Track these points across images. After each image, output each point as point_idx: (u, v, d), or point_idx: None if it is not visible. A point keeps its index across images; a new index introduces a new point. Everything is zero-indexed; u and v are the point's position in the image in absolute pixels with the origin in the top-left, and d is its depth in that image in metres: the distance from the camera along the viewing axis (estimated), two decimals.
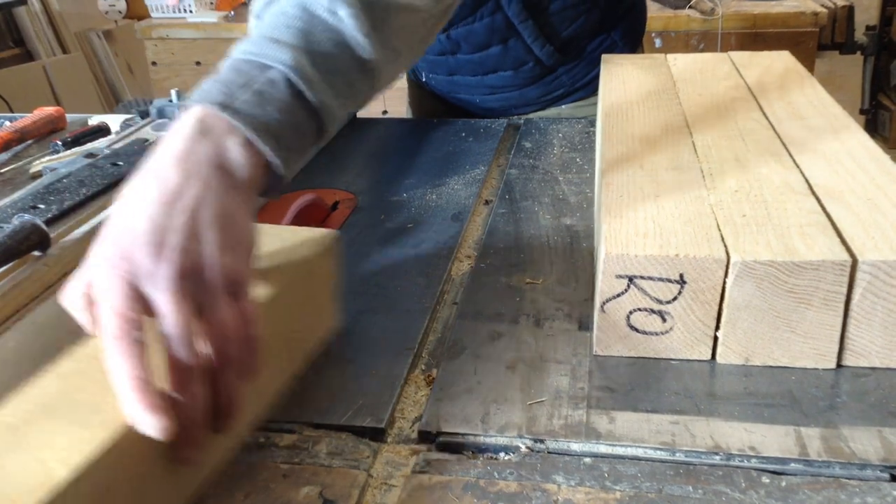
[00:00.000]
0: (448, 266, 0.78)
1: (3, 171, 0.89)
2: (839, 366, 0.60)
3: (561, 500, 0.49)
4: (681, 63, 1.10)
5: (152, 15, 2.75)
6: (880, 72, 2.88)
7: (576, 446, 0.53)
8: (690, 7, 2.35)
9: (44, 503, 0.37)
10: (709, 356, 0.61)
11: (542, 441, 0.54)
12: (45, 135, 1.03)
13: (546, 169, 1.00)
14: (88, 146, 0.91)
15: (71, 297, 0.48)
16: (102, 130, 0.99)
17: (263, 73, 0.53)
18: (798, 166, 0.72)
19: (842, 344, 0.59)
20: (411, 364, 0.63)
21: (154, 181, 0.47)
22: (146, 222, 0.45)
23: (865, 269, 0.56)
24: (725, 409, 0.56)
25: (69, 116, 1.10)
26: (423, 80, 1.34)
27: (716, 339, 0.60)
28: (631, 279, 0.59)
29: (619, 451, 0.53)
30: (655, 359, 0.62)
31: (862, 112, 2.81)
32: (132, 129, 0.90)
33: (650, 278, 0.59)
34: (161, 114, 0.88)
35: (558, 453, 0.53)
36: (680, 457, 0.52)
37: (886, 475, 0.50)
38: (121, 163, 0.76)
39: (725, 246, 0.59)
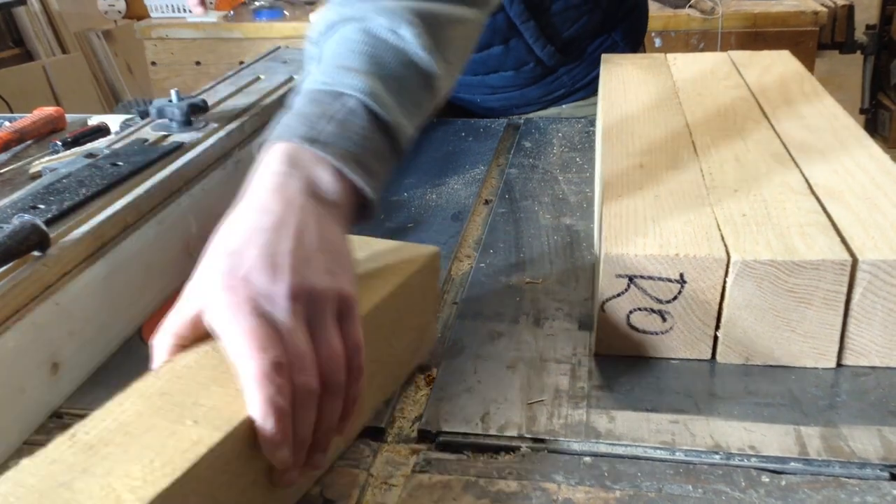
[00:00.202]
0: (448, 266, 0.78)
1: (2, 171, 0.89)
2: (839, 365, 0.60)
3: (561, 500, 0.49)
4: (681, 63, 1.10)
5: (152, 15, 2.75)
6: (880, 71, 2.88)
7: (576, 446, 0.53)
8: (690, 6, 2.35)
9: None
10: (709, 355, 0.61)
11: (542, 440, 0.54)
12: (44, 135, 1.03)
13: (546, 168, 1.00)
14: (88, 146, 0.91)
15: (171, 331, 0.46)
16: (102, 130, 0.99)
17: (340, 101, 0.55)
18: (798, 166, 0.72)
19: (842, 343, 0.59)
20: None
21: (255, 212, 0.48)
22: (257, 248, 0.46)
23: (865, 268, 0.56)
24: (725, 408, 0.56)
25: (69, 116, 1.10)
26: None
27: (716, 338, 0.60)
28: (631, 279, 0.59)
29: (619, 450, 0.53)
30: (655, 358, 0.62)
31: (862, 112, 2.80)
32: (132, 129, 0.89)
33: (650, 278, 0.59)
34: (161, 114, 0.88)
35: (558, 453, 0.53)
36: (680, 456, 0.52)
37: (886, 474, 0.50)
38: (121, 163, 0.76)
39: (725, 245, 0.59)
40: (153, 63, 2.77)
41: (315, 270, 0.46)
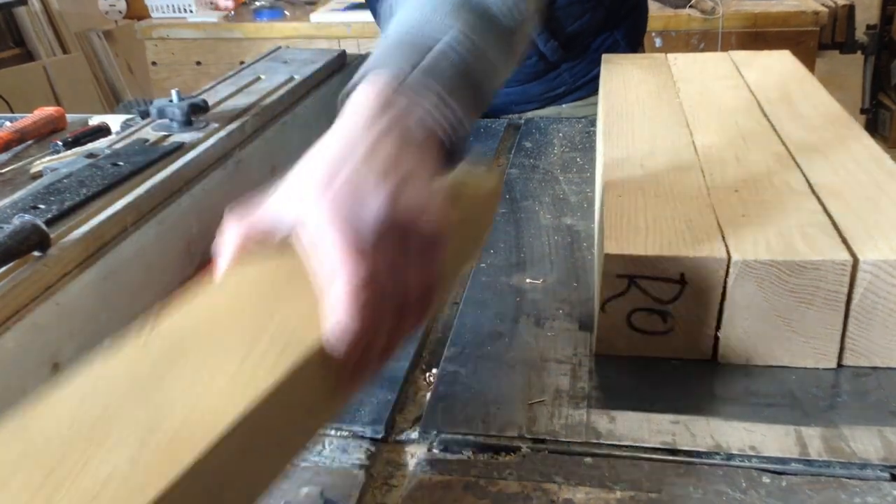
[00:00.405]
0: None
1: (3, 171, 0.89)
2: (840, 365, 0.60)
3: (561, 500, 0.49)
4: (681, 62, 1.10)
5: (152, 15, 2.75)
6: (881, 71, 2.87)
7: (576, 446, 0.53)
8: (691, 6, 2.35)
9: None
10: (709, 356, 0.61)
11: (542, 441, 0.54)
12: (45, 135, 1.03)
13: (546, 168, 1.00)
14: (89, 146, 0.91)
15: (242, 233, 0.46)
16: (103, 130, 0.99)
17: (430, 46, 0.55)
18: (798, 166, 0.72)
19: (842, 343, 0.59)
20: (412, 364, 0.63)
21: (346, 140, 0.48)
22: (354, 168, 0.46)
23: (866, 268, 0.56)
24: (726, 408, 0.56)
25: (69, 116, 1.10)
26: None
27: (716, 338, 0.60)
28: (631, 279, 0.59)
29: (620, 450, 0.53)
30: (656, 358, 0.62)
31: (862, 111, 2.80)
32: (132, 129, 0.89)
33: (651, 278, 0.59)
34: (161, 114, 0.88)
35: (559, 453, 0.53)
36: (680, 456, 0.52)
37: (887, 475, 0.50)
38: (121, 163, 0.76)
39: (726, 245, 0.59)
40: (154, 63, 2.77)
41: (407, 196, 0.46)
